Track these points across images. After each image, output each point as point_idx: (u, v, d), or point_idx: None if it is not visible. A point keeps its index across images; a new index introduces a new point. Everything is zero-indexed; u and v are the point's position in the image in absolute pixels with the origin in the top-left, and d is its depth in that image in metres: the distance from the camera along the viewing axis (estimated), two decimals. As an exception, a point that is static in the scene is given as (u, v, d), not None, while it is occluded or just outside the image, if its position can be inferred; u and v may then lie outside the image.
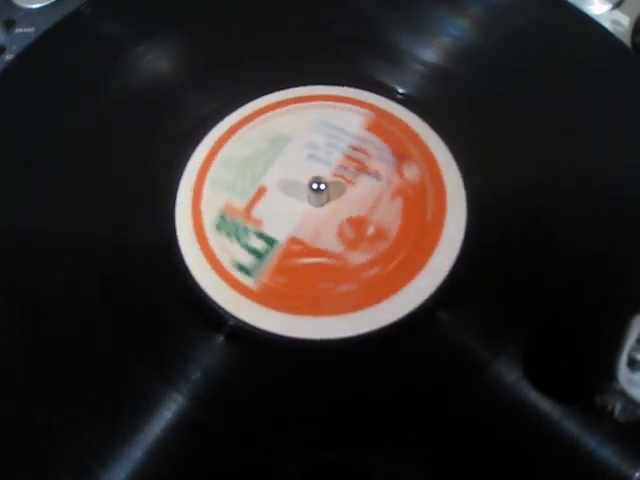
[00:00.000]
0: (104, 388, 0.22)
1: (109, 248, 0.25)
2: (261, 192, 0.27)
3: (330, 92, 0.29)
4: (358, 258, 0.25)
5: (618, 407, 0.19)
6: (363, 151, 0.27)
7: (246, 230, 0.26)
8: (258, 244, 0.25)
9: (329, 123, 0.28)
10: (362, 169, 0.27)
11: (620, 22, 0.32)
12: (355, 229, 0.25)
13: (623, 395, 0.19)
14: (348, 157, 0.27)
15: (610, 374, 0.19)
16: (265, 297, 0.24)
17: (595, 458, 0.20)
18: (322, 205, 0.26)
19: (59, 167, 0.28)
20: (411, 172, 0.27)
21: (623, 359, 0.19)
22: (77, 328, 0.24)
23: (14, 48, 0.33)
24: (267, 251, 0.25)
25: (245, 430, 0.22)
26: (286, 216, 0.26)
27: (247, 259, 0.25)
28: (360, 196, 0.26)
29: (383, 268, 0.24)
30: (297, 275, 0.24)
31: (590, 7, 0.33)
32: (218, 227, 0.26)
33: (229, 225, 0.26)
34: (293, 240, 0.25)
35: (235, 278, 0.24)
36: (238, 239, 0.25)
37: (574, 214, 0.25)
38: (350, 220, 0.26)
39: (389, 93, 0.29)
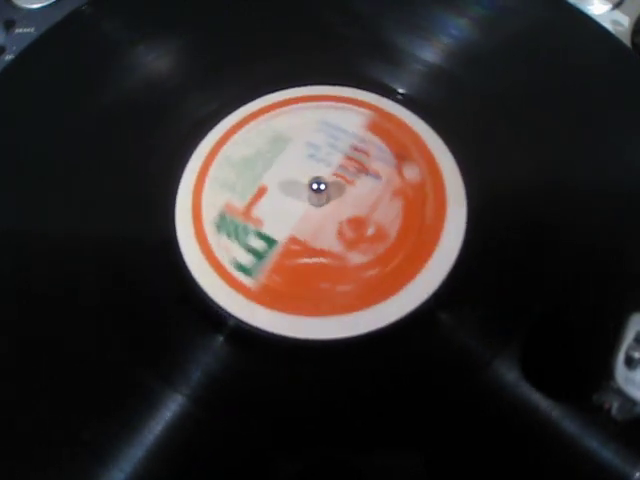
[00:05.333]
0: (104, 388, 0.22)
1: (109, 248, 0.25)
2: (261, 192, 0.27)
3: (330, 92, 0.29)
4: (358, 258, 0.25)
5: (615, 405, 0.19)
6: (363, 151, 0.27)
7: (246, 230, 0.26)
8: (258, 244, 0.25)
9: (329, 123, 0.28)
10: (362, 169, 0.27)
11: (620, 22, 0.32)
12: (355, 229, 0.25)
13: (620, 393, 0.19)
14: (348, 157, 0.27)
15: (608, 373, 0.19)
16: (265, 297, 0.24)
17: (595, 458, 0.20)
18: (322, 205, 0.26)
19: (59, 167, 0.28)
20: (411, 172, 0.27)
21: (620, 358, 0.19)
22: (77, 328, 0.24)
23: (14, 48, 0.33)
24: (267, 251, 0.25)
25: (245, 430, 0.22)
26: (286, 216, 0.26)
27: (247, 259, 0.25)
28: (360, 196, 0.26)
29: (383, 268, 0.24)
30: (297, 275, 0.24)
31: (590, 7, 0.33)
32: (218, 227, 0.26)
33: (229, 225, 0.26)
34: (293, 240, 0.25)
35: (235, 278, 0.24)
36: (238, 239, 0.25)
37: (573, 214, 0.25)
38: (350, 220, 0.26)
39: (389, 93, 0.29)
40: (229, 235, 0.26)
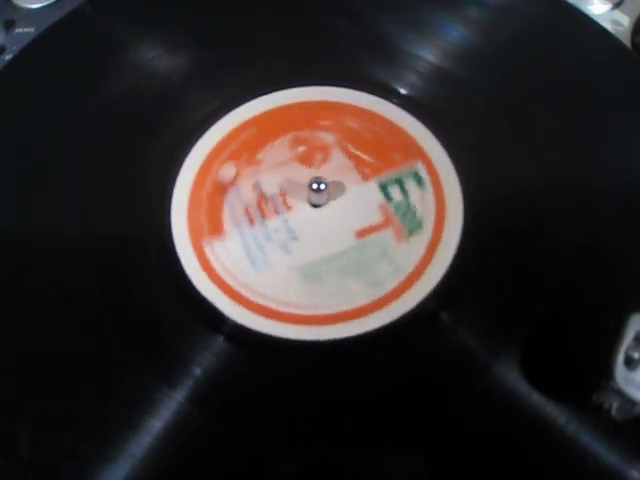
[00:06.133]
0: (104, 388, 0.22)
1: (109, 248, 0.25)
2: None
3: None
4: (358, 258, 0.25)
5: (615, 405, 0.19)
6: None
7: (246, 230, 0.26)
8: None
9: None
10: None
11: (620, 22, 0.32)
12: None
13: (620, 393, 0.19)
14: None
15: (607, 373, 0.19)
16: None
17: (595, 458, 0.20)
18: (322, 205, 0.26)
19: (59, 167, 0.28)
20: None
21: (620, 358, 0.19)
22: (77, 330, 0.24)
23: (14, 48, 0.33)
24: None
25: (245, 430, 0.22)
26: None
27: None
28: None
29: (383, 268, 0.24)
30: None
31: (590, 7, 0.33)
32: (218, 227, 0.26)
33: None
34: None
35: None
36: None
37: (572, 214, 0.25)
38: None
39: (389, 93, 0.29)
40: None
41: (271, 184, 0.27)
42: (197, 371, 0.22)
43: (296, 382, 0.23)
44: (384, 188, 0.26)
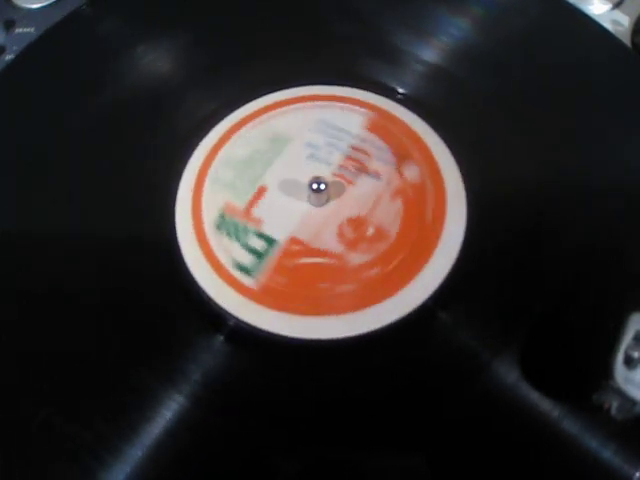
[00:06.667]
0: (104, 388, 0.22)
1: (109, 248, 0.25)
2: (261, 192, 0.27)
3: (330, 92, 0.29)
4: (358, 258, 0.25)
5: (615, 405, 0.19)
6: (363, 151, 0.27)
7: (246, 230, 0.26)
8: (258, 244, 0.25)
9: (329, 123, 0.28)
10: (362, 169, 0.27)
11: (620, 22, 0.32)
12: (355, 229, 0.25)
13: (620, 393, 0.19)
14: (348, 157, 0.27)
15: (607, 372, 0.19)
16: (265, 297, 0.24)
17: (595, 458, 0.20)
18: (322, 205, 0.26)
19: (59, 167, 0.28)
20: (411, 172, 0.27)
21: (620, 357, 0.19)
22: (77, 328, 0.24)
23: (14, 48, 0.33)
24: (267, 251, 0.25)
25: (245, 430, 0.22)
26: (286, 216, 0.26)
27: (247, 259, 0.25)
28: (360, 196, 0.26)
29: (383, 268, 0.24)
30: (297, 275, 0.24)
31: (590, 7, 0.33)
32: (218, 227, 0.26)
33: (229, 225, 0.26)
34: (293, 240, 0.25)
35: (235, 278, 0.24)
36: (238, 239, 0.25)
37: (573, 214, 0.25)
38: (350, 220, 0.26)
39: (389, 93, 0.29)
40: (229, 235, 0.26)
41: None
42: (198, 371, 0.22)
43: (296, 382, 0.23)
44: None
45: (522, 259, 0.24)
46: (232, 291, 0.24)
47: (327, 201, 0.26)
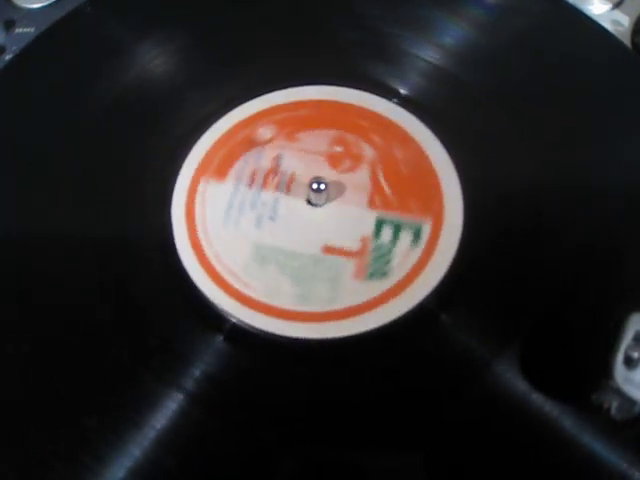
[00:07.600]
0: (104, 388, 0.22)
1: (109, 248, 0.25)
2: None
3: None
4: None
5: (615, 405, 0.19)
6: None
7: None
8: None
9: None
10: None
11: (620, 22, 0.32)
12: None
13: (619, 393, 0.19)
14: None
15: (607, 372, 0.19)
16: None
17: (595, 458, 0.20)
18: (322, 205, 0.26)
19: (59, 167, 0.28)
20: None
21: (619, 357, 0.19)
22: (77, 328, 0.24)
23: (14, 48, 0.33)
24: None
25: (245, 430, 0.22)
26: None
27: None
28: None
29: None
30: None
31: (590, 7, 0.33)
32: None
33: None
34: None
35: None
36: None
37: (572, 214, 0.25)
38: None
39: (389, 93, 0.29)
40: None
41: (291, 163, 0.27)
42: (198, 371, 0.22)
43: (296, 382, 0.23)
44: (379, 224, 0.25)
45: (522, 259, 0.24)
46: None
47: (327, 201, 0.26)
